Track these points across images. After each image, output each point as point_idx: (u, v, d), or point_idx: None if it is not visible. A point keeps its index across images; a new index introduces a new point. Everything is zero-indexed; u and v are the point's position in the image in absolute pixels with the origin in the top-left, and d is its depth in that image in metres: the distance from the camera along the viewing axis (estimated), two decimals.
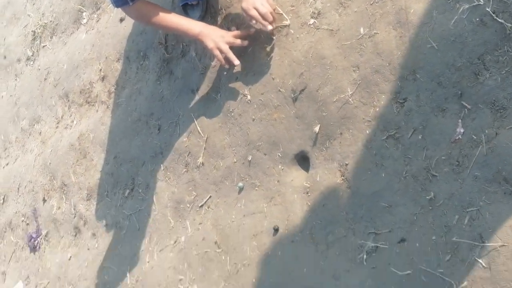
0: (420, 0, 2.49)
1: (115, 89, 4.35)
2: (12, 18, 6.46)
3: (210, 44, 3.14)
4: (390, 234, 2.50)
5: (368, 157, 2.64)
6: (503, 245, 2.12)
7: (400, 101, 2.53)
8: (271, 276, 2.96)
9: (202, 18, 3.61)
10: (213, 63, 3.50)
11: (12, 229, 5.28)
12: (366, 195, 2.62)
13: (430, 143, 2.41)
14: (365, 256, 2.57)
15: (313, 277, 2.77)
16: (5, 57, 6.32)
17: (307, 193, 2.89)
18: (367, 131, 2.65)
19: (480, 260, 2.19)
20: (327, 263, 2.73)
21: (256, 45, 3.22)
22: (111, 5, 3.24)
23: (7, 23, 6.52)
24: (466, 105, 2.30)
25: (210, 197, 3.40)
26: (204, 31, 3.17)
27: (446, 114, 2.36)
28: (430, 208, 2.37)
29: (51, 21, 5.61)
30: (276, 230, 2.96)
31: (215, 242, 3.29)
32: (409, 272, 2.40)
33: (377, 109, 2.62)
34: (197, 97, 3.62)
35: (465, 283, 2.22)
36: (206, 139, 3.48)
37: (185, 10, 3.68)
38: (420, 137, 2.45)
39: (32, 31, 5.91)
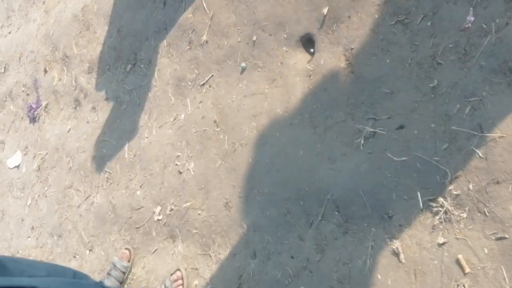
0: None
1: None
2: None
3: None
4: (389, 121, 2.48)
5: (374, 42, 2.59)
6: (502, 136, 2.11)
7: None
8: (268, 157, 2.96)
9: None
10: None
11: (12, 98, 5.28)
12: (368, 81, 2.59)
13: (438, 30, 2.36)
14: (362, 141, 2.57)
15: (309, 159, 2.77)
16: None
17: (310, 76, 2.86)
18: (376, 15, 2.59)
19: (477, 150, 2.18)
20: (324, 146, 2.72)
21: None
22: None
23: None
24: None
25: (212, 76, 3.36)
26: None
27: (458, 1, 2.30)
28: (432, 96, 2.34)
29: None
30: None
31: (214, 121, 3.28)
32: (405, 158, 2.39)
33: None
34: None
35: (460, 172, 2.21)
36: (212, 16, 3.42)
37: None
38: (429, 24, 2.39)
39: None
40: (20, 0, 5.55)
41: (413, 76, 2.42)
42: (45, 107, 4.77)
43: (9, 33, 5.61)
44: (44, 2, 5.20)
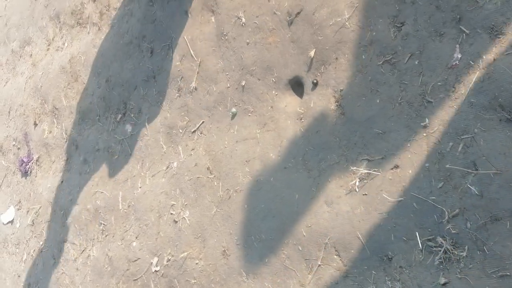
0: None
1: (106, 10, 4.26)
2: None
3: None
4: (383, 161, 2.47)
5: (363, 83, 2.59)
6: (497, 173, 2.10)
7: (398, 25, 2.47)
8: (263, 202, 2.94)
9: None
10: None
11: (3, 153, 5.26)
12: (360, 122, 2.58)
13: (426, 69, 2.36)
14: (357, 183, 2.55)
15: (305, 203, 2.75)
16: None
17: (301, 119, 2.85)
18: (363, 56, 2.60)
19: (473, 188, 2.16)
20: (319, 189, 2.71)
21: None
22: None
23: None
24: (465, 29, 2.25)
25: (202, 122, 3.35)
26: None
27: (443, 39, 2.31)
28: (424, 134, 2.33)
29: None
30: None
31: (208, 168, 3.27)
32: (401, 199, 2.38)
33: (374, 33, 2.56)
34: (190, 20, 3.54)
35: (457, 210, 2.20)
36: (200, 63, 3.42)
37: None
38: (416, 63, 2.39)
39: None
40: (7, 54, 5.56)
41: (403, 115, 2.42)
42: (37, 160, 4.76)
43: None
44: (31, 55, 5.20)
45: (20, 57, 5.36)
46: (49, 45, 4.93)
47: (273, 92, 3.01)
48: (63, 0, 4.81)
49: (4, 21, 5.75)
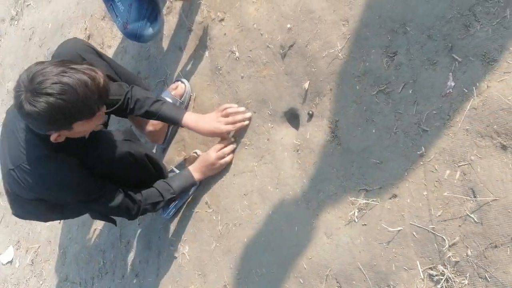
0: None
1: (101, 48, 4.28)
2: None
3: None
4: (381, 191, 2.47)
5: (358, 113, 2.60)
6: (495, 200, 2.10)
7: (390, 55, 2.49)
8: (263, 236, 2.94)
9: None
10: (200, 20, 3.43)
11: (1, 193, 5.24)
12: (356, 152, 2.59)
13: (420, 98, 2.37)
14: (356, 213, 2.55)
15: (305, 235, 2.75)
16: None
17: (297, 151, 2.86)
18: (357, 87, 2.61)
19: (471, 215, 2.16)
20: (318, 221, 2.70)
21: (243, 0, 3.16)
22: None
23: None
24: (457, 57, 2.26)
25: (199, 156, 3.36)
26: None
27: (436, 68, 2.32)
28: (421, 163, 2.34)
29: None
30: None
31: (206, 202, 3.27)
32: (400, 228, 2.37)
33: (367, 63, 2.57)
34: (184, 55, 3.56)
35: (457, 238, 2.19)
36: (195, 98, 3.44)
37: None
38: (410, 92, 2.40)
39: None
40: (3, 94, 5.54)
41: (400, 144, 2.42)
42: None
43: None
44: None
45: None
46: None
47: (269, 124, 3.02)
48: (57, 40, 4.82)
49: None
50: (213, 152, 3.03)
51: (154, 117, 3.16)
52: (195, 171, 3.07)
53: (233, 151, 3.11)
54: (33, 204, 2.95)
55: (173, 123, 3.21)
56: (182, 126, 3.13)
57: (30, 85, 2.31)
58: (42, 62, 2.41)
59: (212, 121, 3.07)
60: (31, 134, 2.63)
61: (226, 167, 3.18)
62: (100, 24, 4.36)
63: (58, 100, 2.30)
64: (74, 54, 3.00)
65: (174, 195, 3.07)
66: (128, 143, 2.88)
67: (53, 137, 2.53)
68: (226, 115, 3.07)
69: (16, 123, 2.70)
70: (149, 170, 3.03)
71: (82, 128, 2.55)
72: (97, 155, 2.77)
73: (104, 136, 2.85)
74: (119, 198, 2.90)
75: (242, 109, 3.05)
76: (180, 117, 3.07)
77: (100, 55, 3.18)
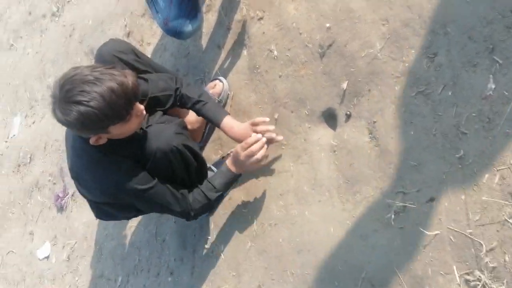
0: None
1: (140, 45, 4.30)
2: None
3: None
4: (418, 194, 2.44)
5: (396, 114, 2.57)
6: None
7: (430, 56, 2.46)
8: (298, 236, 2.92)
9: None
10: (239, 18, 3.43)
11: (39, 188, 5.29)
12: (394, 153, 2.56)
13: (460, 100, 2.33)
14: (393, 216, 2.52)
15: (341, 237, 2.72)
16: (30, 13, 6.28)
17: (335, 151, 2.83)
18: (396, 88, 2.58)
19: (510, 220, 2.12)
20: (355, 222, 2.68)
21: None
22: None
23: None
24: (498, 59, 2.22)
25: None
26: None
27: (477, 70, 2.28)
28: (460, 166, 2.30)
29: None
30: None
31: (242, 202, 3.26)
32: (437, 232, 2.34)
33: (407, 64, 2.54)
34: (223, 53, 3.56)
35: (495, 243, 2.16)
36: (232, 96, 3.43)
37: None
38: (450, 93, 2.37)
39: None
40: (43, 89, 5.62)
41: (438, 146, 2.39)
42: (72, 195, 4.78)
43: (33, 122, 5.66)
44: None
45: None
46: None
47: (306, 124, 3.00)
48: (97, 37, 4.86)
49: (40, 57, 5.82)
50: (241, 151, 3.01)
51: (196, 114, 3.21)
52: (232, 165, 3.06)
53: (262, 148, 3.06)
54: (106, 206, 3.04)
55: (212, 123, 3.22)
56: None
57: (60, 94, 2.38)
58: (75, 68, 2.47)
59: (244, 131, 3.06)
60: (80, 140, 2.71)
61: (263, 167, 3.15)
62: (140, 21, 4.38)
63: (87, 108, 2.35)
64: (112, 55, 3.04)
65: (219, 193, 3.06)
66: (180, 136, 2.89)
67: (92, 140, 2.58)
68: (257, 131, 3.05)
69: (70, 131, 2.81)
70: (193, 165, 3.03)
71: (120, 131, 2.60)
72: (149, 151, 2.80)
73: (156, 130, 2.87)
74: (171, 195, 2.91)
75: (272, 127, 3.02)
76: (218, 121, 3.09)
77: (139, 56, 3.19)
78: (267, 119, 3.02)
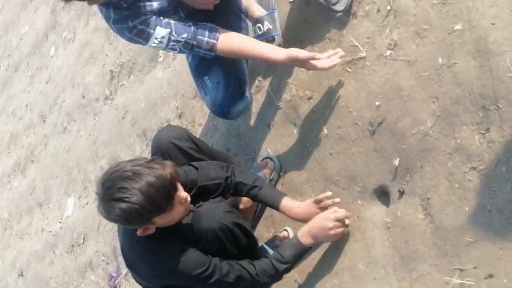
0: (499, 28, 2.43)
1: (192, 126, 4.39)
2: (90, 58, 6.60)
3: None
4: (476, 270, 2.41)
5: (450, 191, 2.57)
6: None
7: (482, 132, 2.46)
8: None
9: None
10: (288, 98, 3.49)
11: (92, 268, 5.34)
12: (450, 230, 2.54)
13: None
14: None
15: None
16: (83, 96, 6.46)
17: (388, 228, 2.83)
18: (449, 164, 2.58)
19: None
20: None
21: (331, 78, 3.20)
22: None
23: (85, 63, 6.67)
24: None
25: (288, 234, 3.36)
26: (291, 54, 3.05)
27: None
28: None
29: (128, 60, 5.72)
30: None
31: (295, 280, 3.25)
32: None
33: (459, 140, 2.55)
34: (273, 132, 3.61)
35: None
36: (284, 175, 3.46)
37: None
38: (504, 169, 2.37)
39: (109, 70, 6.02)
40: (96, 171, 5.73)
41: (494, 223, 2.37)
42: (125, 275, 4.81)
43: (87, 203, 5.76)
44: None
45: None
46: None
47: (359, 201, 3.01)
48: (149, 119, 4.98)
49: (93, 139, 5.96)
50: (332, 215, 2.98)
51: (252, 200, 3.27)
52: (305, 236, 3.00)
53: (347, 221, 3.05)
54: None
55: (270, 207, 3.25)
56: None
57: (102, 191, 2.52)
58: (117, 164, 2.60)
59: (306, 209, 3.07)
60: (131, 230, 2.78)
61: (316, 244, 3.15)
62: (191, 102, 4.47)
63: (128, 204, 2.45)
64: (168, 142, 3.15)
65: (288, 265, 3.04)
66: (230, 215, 2.92)
67: (139, 232, 2.68)
68: (324, 207, 3.05)
69: None
70: (244, 243, 3.04)
71: (164, 220, 2.68)
72: (200, 231, 2.83)
73: (206, 210, 2.91)
74: (232, 271, 2.91)
75: (337, 200, 3.03)
76: (277, 204, 3.12)
77: (195, 141, 3.27)
78: (330, 193, 3.03)
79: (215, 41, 3.13)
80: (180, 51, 3.22)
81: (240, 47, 3.18)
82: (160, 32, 3.06)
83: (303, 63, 3.03)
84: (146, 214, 2.52)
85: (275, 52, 3.12)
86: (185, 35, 3.10)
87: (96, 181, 2.61)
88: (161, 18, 3.09)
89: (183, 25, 3.11)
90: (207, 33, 3.13)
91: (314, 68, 3.01)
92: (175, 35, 3.08)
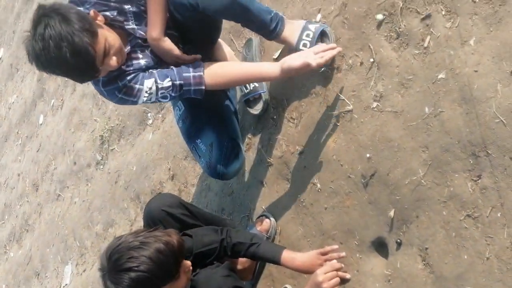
0: (482, 75, 2.45)
1: (184, 187, 4.39)
2: (79, 124, 6.63)
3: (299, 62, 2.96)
4: None
5: (447, 239, 2.56)
6: None
7: (474, 178, 2.47)
8: None
9: (264, 111, 3.63)
10: (279, 154, 3.49)
11: None
12: (450, 279, 2.53)
13: (510, 220, 2.33)
14: None
15: None
16: (75, 163, 6.47)
17: (389, 281, 2.81)
18: (444, 212, 2.58)
19: None
20: None
21: (321, 132, 3.21)
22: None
23: (75, 129, 6.69)
24: None
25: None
26: (283, 66, 2.99)
27: None
28: None
29: (117, 124, 5.75)
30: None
31: None
32: None
33: (452, 188, 2.56)
34: (266, 189, 3.61)
35: None
36: (280, 231, 3.45)
37: (247, 103, 3.70)
38: (499, 215, 2.37)
39: (99, 135, 6.05)
40: (92, 237, 5.71)
41: (494, 270, 2.37)
42: None
43: (84, 271, 5.72)
44: (115, 236, 5.31)
45: (105, 239, 5.47)
46: (131, 225, 5.05)
47: (357, 255, 3.00)
48: (142, 182, 4.98)
49: (87, 205, 5.95)
50: (321, 269, 2.96)
51: (251, 258, 3.25)
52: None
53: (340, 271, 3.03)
54: None
55: (271, 263, 3.22)
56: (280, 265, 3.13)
57: (109, 265, 2.48)
58: (119, 238, 2.58)
59: (309, 259, 3.05)
60: None
61: None
62: (182, 164, 4.48)
63: (138, 272, 2.43)
64: (160, 210, 3.14)
65: None
66: (229, 279, 2.90)
67: None
68: (328, 259, 3.04)
69: None
70: None
71: None
72: None
73: (204, 277, 2.89)
74: None
75: (343, 254, 3.02)
76: (278, 259, 3.08)
77: (188, 207, 3.26)
78: (336, 246, 3.02)
79: (201, 73, 3.09)
80: (172, 98, 3.18)
81: (230, 73, 3.16)
82: (147, 84, 3.04)
83: (297, 72, 2.99)
84: (156, 283, 2.50)
85: (269, 70, 3.07)
86: (169, 78, 3.06)
87: (100, 256, 2.58)
88: (146, 72, 3.09)
89: (165, 70, 3.09)
90: (191, 69, 3.09)
91: (309, 68, 2.94)
92: (161, 82, 3.05)
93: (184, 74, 3.08)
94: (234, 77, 3.15)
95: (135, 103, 3.14)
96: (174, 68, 3.10)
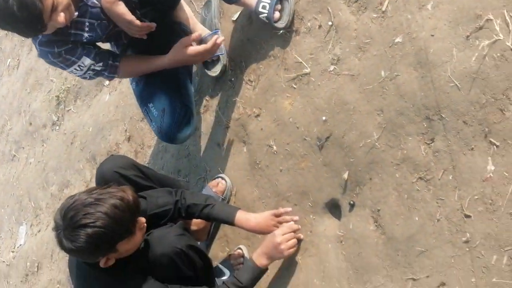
0: (439, 40, 2.47)
1: (141, 148, 4.37)
2: (35, 84, 6.54)
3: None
4: (428, 279, 2.44)
5: (399, 201, 2.60)
6: None
7: (427, 142, 2.50)
8: None
9: (222, 73, 3.62)
10: (237, 116, 3.49)
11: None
12: (401, 240, 2.57)
13: (461, 183, 2.36)
14: None
15: None
16: (30, 123, 6.39)
17: (341, 241, 2.85)
18: (397, 175, 2.61)
19: None
20: None
21: (278, 95, 3.21)
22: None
23: (31, 90, 6.61)
24: (495, 142, 2.26)
25: (243, 252, 3.36)
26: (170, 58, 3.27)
27: (474, 153, 2.32)
28: (467, 249, 2.31)
29: (74, 85, 5.69)
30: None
31: None
32: None
33: (405, 151, 2.58)
34: (223, 151, 3.61)
35: None
36: (235, 192, 3.46)
37: (206, 65, 3.69)
38: (450, 178, 2.40)
39: (55, 96, 5.98)
40: (47, 198, 5.66)
41: (444, 231, 2.40)
42: None
43: (39, 231, 5.68)
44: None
45: (60, 200, 5.43)
46: (87, 186, 5.00)
47: (311, 216, 3.02)
48: (98, 143, 4.94)
49: (42, 166, 5.89)
50: (279, 231, 2.98)
51: (206, 219, 3.24)
52: (260, 258, 3.00)
53: (296, 233, 3.06)
54: None
55: (225, 223, 3.23)
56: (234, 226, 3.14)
57: (64, 222, 2.42)
58: (72, 197, 2.52)
59: (264, 220, 3.06)
60: (88, 269, 2.72)
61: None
62: (139, 125, 4.45)
63: (95, 228, 2.39)
64: (113, 172, 3.12)
65: None
66: (183, 238, 2.90)
67: (102, 263, 2.60)
68: (282, 222, 3.05)
69: (73, 261, 2.85)
70: (200, 264, 3.02)
71: (127, 246, 2.63)
72: (154, 258, 2.80)
73: (157, 236, 2.88)
74: None
75: (296, 217, 3.04)
76: (232, 220, 3.08)
77: (141, 169, 3.25)
78: (290, 209, 3.04)
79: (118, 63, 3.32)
80: (90, 78, 3.40)
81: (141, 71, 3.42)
82: (85, 61, 3.17)
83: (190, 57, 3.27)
84: (113, 238, 2.47)
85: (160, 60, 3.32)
86: (101, 63, 3.26)
87: (54, 215, 2.54)
88: (91, 48, 3.21)
89: (102, 54, 3.29)
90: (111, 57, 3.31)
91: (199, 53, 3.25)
92: (98, 65, 3.24)
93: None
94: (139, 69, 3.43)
95: (64, 69, 3.25)
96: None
